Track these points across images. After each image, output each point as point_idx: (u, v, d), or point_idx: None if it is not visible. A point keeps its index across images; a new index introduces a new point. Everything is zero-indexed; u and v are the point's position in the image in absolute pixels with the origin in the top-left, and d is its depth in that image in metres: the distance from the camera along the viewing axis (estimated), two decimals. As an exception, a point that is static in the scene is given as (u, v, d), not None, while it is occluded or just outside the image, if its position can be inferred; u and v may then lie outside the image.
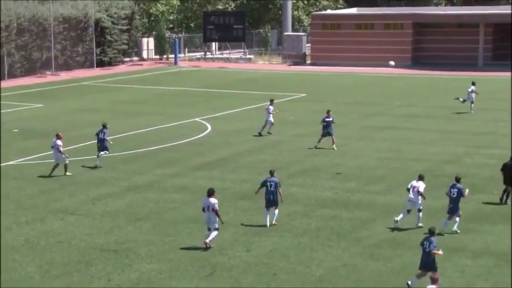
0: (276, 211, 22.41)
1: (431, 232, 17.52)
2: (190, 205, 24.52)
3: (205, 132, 37.28)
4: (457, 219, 21.39)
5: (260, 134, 36.04)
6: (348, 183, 27.17)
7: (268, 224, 22.14)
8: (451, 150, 32.39)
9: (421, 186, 21.88)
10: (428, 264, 17.32)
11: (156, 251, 20.26)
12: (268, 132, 36.13)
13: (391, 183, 27.07)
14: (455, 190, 21.44)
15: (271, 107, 36.26)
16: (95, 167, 29.47)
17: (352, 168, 29.38)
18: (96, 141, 30.04)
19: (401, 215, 22.01)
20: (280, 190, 22.29)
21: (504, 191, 24.32)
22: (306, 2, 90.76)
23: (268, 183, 22.25)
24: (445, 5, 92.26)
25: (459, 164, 29.91)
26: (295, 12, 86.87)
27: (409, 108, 44.40)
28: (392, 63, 51.57)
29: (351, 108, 44.13)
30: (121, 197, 25.60)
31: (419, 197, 21.86)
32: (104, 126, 30.12)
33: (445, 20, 68.23)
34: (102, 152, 29.72)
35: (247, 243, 20.81)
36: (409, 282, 17.47)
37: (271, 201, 22.24)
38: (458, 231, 21.38)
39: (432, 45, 68.41)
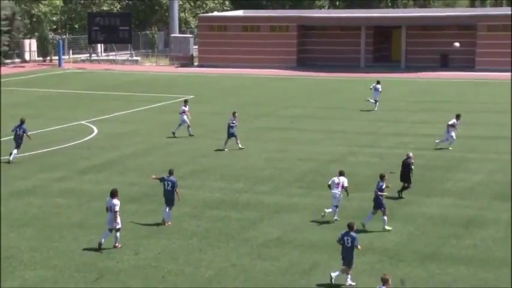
0: (171, 211, 22.51)
1: (350, 227, 18.17)
2: (76, 209, 24.04)
3: (92, 135, 36.64)
4: (385, 217, 21.99)
5: (173, 134, 35.95)
6: (236, 183, 27.36)
7: (164, 218, 22.46)
8: (335, 150, 33.17)
9: (345, 181, 22.78)
10: (349, 259, 17.97)
11: (40, 257, 19.75)
12: (190, 135, 35.94)
13: (278, 183, 27.45)
14: (377, 187, 22.22)
15: (184, 108, 36.16)
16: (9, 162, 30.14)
17: (240, 169, 29.60)
18: (13, 137, 30.71)
19: (329, 210, 22.81)
20: (177, 190, 22.40)
21: (402, 187, 25.27)
22: (192, 4, 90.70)
23: (166, 182, 22.36)
24: (329, 7, 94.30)
25: (343, 163, 30.64)
26: (182, 14, 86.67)
27: (295, 109, 45.14)
28: (457, 44, 50.56)
29: (238, 109, 44.30)
30: (3, 202, 24.77)
31: (341, 192, 22.69)
32: (22, 122, 30.67)
33: (329, 23, 69.76)
34: (13, 152, 30.42)
35: (136, 246, 20.61)
36: (333, 275, 17.91)
37: (168, 200, 22.37)
38: (390, 228, 21.90)
39: (317, 47, 69.83)
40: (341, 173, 23.09)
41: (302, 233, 21.77)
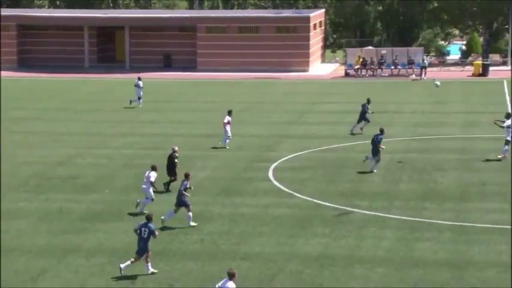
0: None
1: (148, 218, 18.82)
2: None
3: None
4: (190, 214, 22.36)
5: None
6: (-48, 192, 25.81)
7: None
8: (62, 152, 32.55)
9: (152, 176, 23.50)
10: (142, 249, 18.67)
11: None
12: None
13: (2, 189, 26.31)
14: (182, 186, 22.60)
15: None
16: None
17: (-41, 177, 27.99)
18: None
19: (142, 204, 23.38)
20: None
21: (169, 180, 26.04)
22: None
23: None
24: (49, 7, 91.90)
25: (71, 165, 30.22)
26: None
27: (17, 111, 43.47)
28: (438, 83, 47.35)
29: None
30: None
31: (151, 186, 23.58)
32: None
33: (50, 23, 68.08)
34: None
35: None
36: (122, 266, 18.40)
37: None
38: (195, 224, 22.33)
39: (39, 48, 67.80)
40: (153, 168, 23.89)
41: (30, 239, 21.15)
